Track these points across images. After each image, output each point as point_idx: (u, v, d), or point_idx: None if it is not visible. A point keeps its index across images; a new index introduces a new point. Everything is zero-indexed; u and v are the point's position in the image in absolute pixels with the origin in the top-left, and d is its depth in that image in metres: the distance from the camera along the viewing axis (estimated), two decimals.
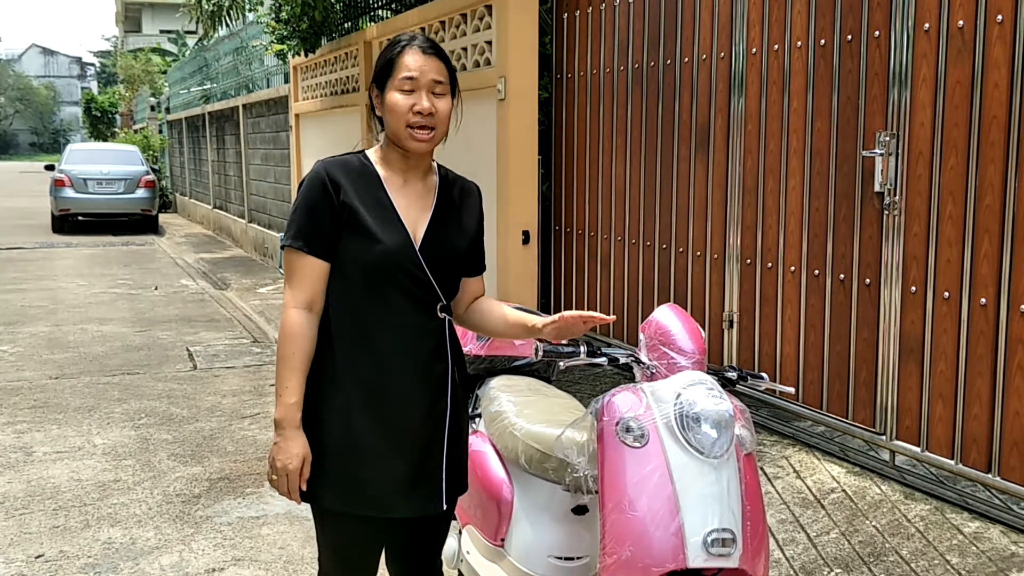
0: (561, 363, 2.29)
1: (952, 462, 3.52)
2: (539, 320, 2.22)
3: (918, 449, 3.65)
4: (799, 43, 4.09)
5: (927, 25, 3.52)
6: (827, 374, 4.04)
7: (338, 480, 2.13)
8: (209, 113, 17.08)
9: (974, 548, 3.19)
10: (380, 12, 8.49)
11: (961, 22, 3.39)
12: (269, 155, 12.90)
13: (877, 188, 3.73)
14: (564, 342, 2.24)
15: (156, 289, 10.50)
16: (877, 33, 3.73)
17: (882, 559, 3.23)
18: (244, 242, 14.48)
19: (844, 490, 3.70)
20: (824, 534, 3.44)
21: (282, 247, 2.21)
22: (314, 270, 2.13)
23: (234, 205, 15.50)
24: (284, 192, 12.10)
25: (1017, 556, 3.11)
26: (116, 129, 33.73)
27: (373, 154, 2.23)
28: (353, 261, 2.13)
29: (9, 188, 30.12)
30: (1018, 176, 3.24)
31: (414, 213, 2.19)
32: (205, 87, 17.61)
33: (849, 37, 3.85)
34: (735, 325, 4.53)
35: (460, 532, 2.97)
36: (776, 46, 4.21)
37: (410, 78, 2.11)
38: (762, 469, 3.91)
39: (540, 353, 2.18)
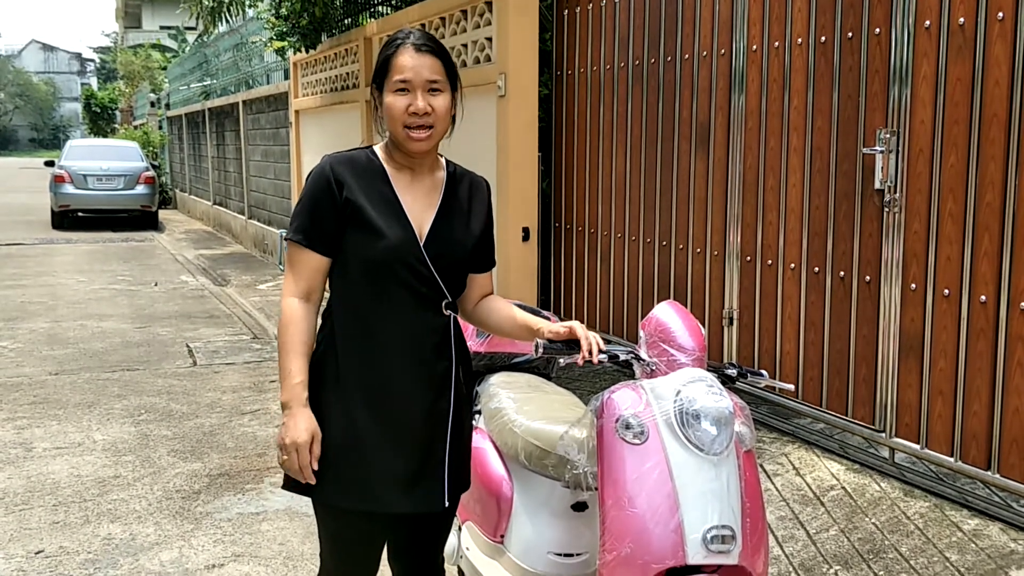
0: (561, 360, 2.29)
1: (952, 459, 3.52)
2: (545, 326, 2.22)
3: (918, 446, 3.65)
4: (800, 40, 4.09)
5: (928, 22, 3.52)
6: (827, 371, 4.05)
7: (340, 475, 2.13)
8: (209, 109, 17.07)
9: (973, 545, 3.19)
10: (380, 8, 8.48)
11: (962, 19, 3.39)
12: (269, 151, 12.90)
13: (877, 185, 3.73)
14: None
15: (156, 285, 10.50)
16: (878, 30, 3.73)
17: (881, 556, 3.23)
18: (244, 238, 14.48)
19: (843, 487, 3.71)
20: (823, 531, 3.44)
21: (285, 239, 2.21)
22: (313, 264, 2.14)
23: (234, 201, 15.50)
24: (284, 188, 12.10)
25: (1016, 553, 3.11)
26: (116, 125, 33.71)
27: (380, 150, 2.22)
28: (357, 257, 2.12)
29: (9, 184, 30.10)
30: (1018, 174, 3.24)
31: (420, 209, 2.17)
32: (205, 83, 17.60)
33: (850, 34, 3.85)
34: (735, 322, 4.54)
35: (460, 528, 2.97)
36: (777, 43, 4.21)
37: (404, 80, 2.10)
38: (762, 466, 3.91)
39: (540, 350, 2.18)
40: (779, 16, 4.18)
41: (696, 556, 1.99)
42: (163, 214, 18.94)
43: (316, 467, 2.10)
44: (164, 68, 26.53)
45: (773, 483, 3.82)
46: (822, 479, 3.80)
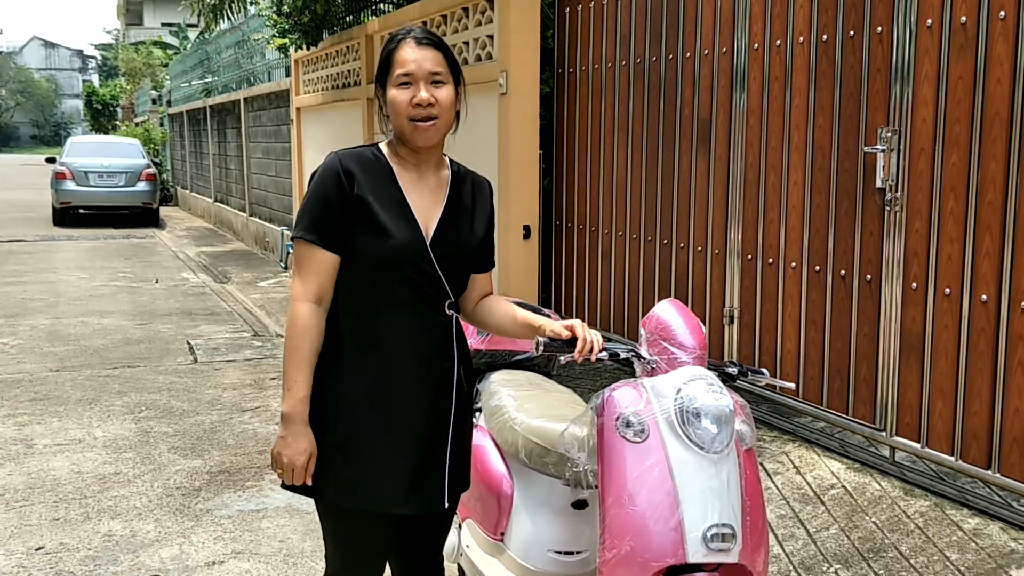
0: (561, 358, 2.28)
1: (952, 458, 3.52)
2: (546, 324, 2.20)
3: (918, 445, 3.65)
4: (801, 39, 4.09)
5: (929, 21, 3.51)
6: (827, 370, 4.04)
7: (341, 476, 2.12)
8: (210, 106, 17.07)
9: (973, 544, 3.19)
10: (382, 6, 8.48)
11: (964, 18, 3.39)
12: (270, 149, 12.90)
13: (879, 184, 3.73)
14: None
15: (157, 282, 10.50)
16: (879, 29, 3.72)
17: (881, 555, 3.23)
18: (245, 236, 14.49)
19: (844, 486, 3.71)
20: (824, 530, 3.44)
21: (293, 238, 2.19)
22: (324, 263, 2.11)
23: (235, 199, 15.50)
24: (285, 186, 12.10)
25: (1016, 553, 3.11)
26: (117, 122, 33.67)
27: (385, 148, 2.20)
28: (363, 255, 2.10)
29: (10, 181, 30.12)
30: (1020, 173, 3.23)
31: (426, 208, 2.16)
32: (206, 80, 17.60)
33: (851, 33, 3.85)
34: (736, 321, 4.53)
35: (460, 526, 2.97)
36: (778, 41, 4.20)
37: (406, 73, 2.09)
38: (762, 465, 3.91)
39: (540, 348, 2.17)
40: (781, 14, 4.18)
41: (696, 554, 1.98)
42: (164, 211, 18.95)
43: (310, 483, 2.11)
44: (165, 65, 26.53)
45: (773, 481, 3.82)
46: (822, 478, 3.80)
